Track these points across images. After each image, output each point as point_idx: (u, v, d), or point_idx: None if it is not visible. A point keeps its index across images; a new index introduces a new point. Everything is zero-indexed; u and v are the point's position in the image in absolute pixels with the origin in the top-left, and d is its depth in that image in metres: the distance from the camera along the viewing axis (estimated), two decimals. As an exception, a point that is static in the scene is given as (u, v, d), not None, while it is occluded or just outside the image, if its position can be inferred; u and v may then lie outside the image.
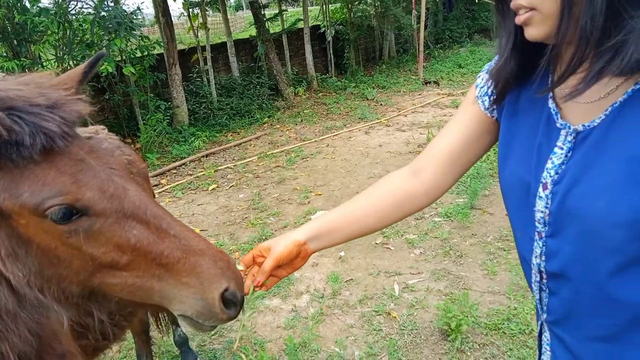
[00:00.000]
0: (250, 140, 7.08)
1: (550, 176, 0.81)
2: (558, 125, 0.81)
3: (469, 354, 2.52)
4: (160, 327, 2.50)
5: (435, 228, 3.87)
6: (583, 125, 0.78)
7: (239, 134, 7.48)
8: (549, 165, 0.81)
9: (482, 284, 3.08)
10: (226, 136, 7.44)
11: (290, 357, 2.57)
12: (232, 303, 0.86)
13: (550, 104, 0.83)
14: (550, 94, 0.83)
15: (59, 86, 0.84)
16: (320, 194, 4.84)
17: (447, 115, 7.15)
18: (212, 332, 2.90)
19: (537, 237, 0.86)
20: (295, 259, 1.05)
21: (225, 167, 6.00)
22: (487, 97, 0.97)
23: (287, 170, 5.65)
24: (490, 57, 10.93)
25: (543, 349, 0.97)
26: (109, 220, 0.78)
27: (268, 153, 6.34)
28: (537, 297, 0.92)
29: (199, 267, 0.82)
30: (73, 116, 0.80)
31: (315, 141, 6.70)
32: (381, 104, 8.43)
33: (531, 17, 0.74)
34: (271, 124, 7.87)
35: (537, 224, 0.85)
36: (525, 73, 0.86)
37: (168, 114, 7.29)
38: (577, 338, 0.86)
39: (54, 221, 0.75)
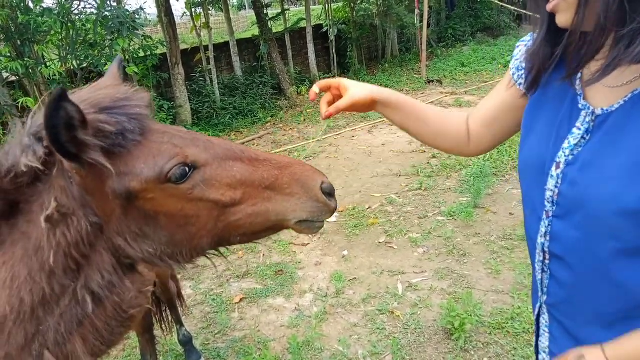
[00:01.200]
0: (253, 139, 7.08)
1: (565, 156, 0.82)
2: (579, 106, 0.83)
3: (472, 353, 2.51)
4: (164, 326, 2.51)
5: (439, 227, 3.87)
6: (602, 109, 0.79)
7: (242, 134, 7.49)
8: (565, 144, 0.83)
9: (486, 283, 3.08)
10: (229, 135, 7.45)
11: (294, 356, 2.57)
12: (329, 194, 0.98)
13: (577, 85, 0.85)
14: (579, 75, 0.85)
15: (118, 85, 0.98)
16: (323, 193, 4.84)
17: (450, 114, 7.12)
18: (217, 332, 2.92)
19: (544, 216, 0.87)
20: (361, 107, 1.15)
21: (229, 167, 6.00)
22: (517, 71, 1.00)
23: (290, 170, 5.64)
24: (493, 55, 10.90)
25: (541, 331, 0.99)
26: (214, 166, 0.92)
27: (271, 152, 6.33)
28: (539, 277, 0.93)
29: (296, 176, 0.96)
30: (145, 101, 0.94)
31: (318, 140, 6.71)
32: (384, 103, 8.41)
33: (558, 5, 0.77)
34: (274, 123, 7.87)
35: (546, 202, 0.86)
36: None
37: (171, 114, 7.31)
38: (578, 322, 0.88)
39: (175, 182, 0.88)
